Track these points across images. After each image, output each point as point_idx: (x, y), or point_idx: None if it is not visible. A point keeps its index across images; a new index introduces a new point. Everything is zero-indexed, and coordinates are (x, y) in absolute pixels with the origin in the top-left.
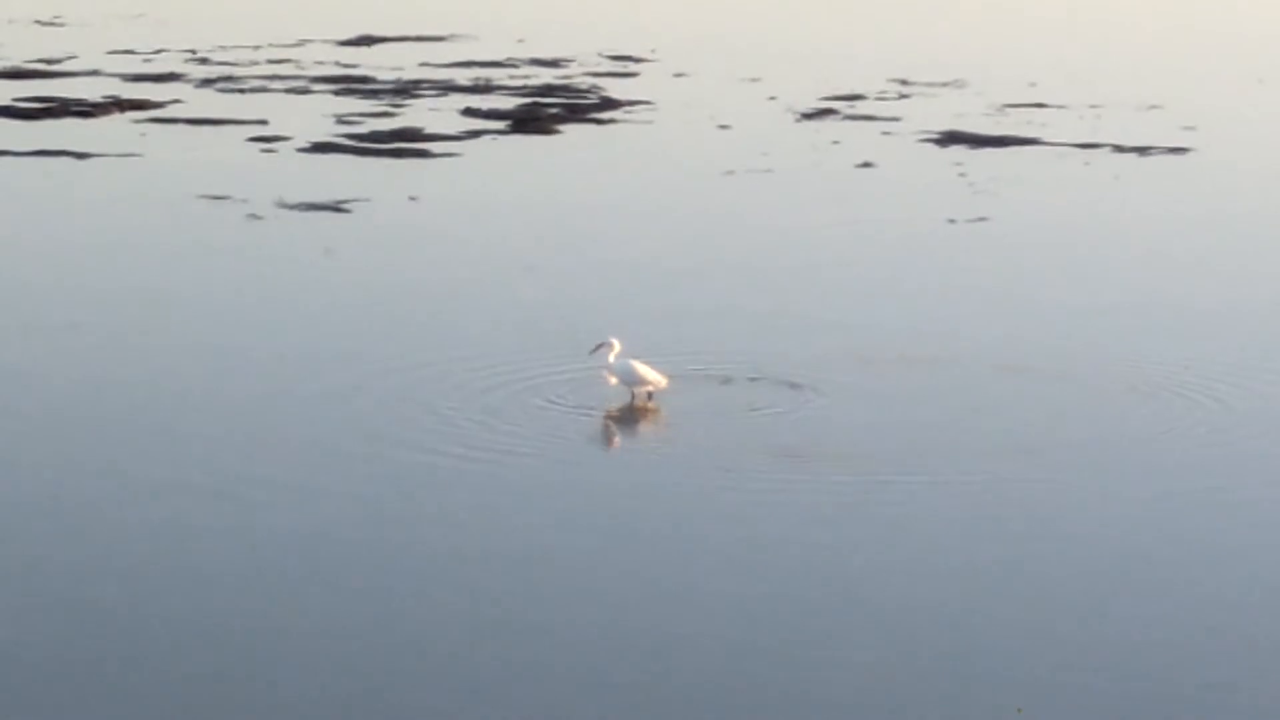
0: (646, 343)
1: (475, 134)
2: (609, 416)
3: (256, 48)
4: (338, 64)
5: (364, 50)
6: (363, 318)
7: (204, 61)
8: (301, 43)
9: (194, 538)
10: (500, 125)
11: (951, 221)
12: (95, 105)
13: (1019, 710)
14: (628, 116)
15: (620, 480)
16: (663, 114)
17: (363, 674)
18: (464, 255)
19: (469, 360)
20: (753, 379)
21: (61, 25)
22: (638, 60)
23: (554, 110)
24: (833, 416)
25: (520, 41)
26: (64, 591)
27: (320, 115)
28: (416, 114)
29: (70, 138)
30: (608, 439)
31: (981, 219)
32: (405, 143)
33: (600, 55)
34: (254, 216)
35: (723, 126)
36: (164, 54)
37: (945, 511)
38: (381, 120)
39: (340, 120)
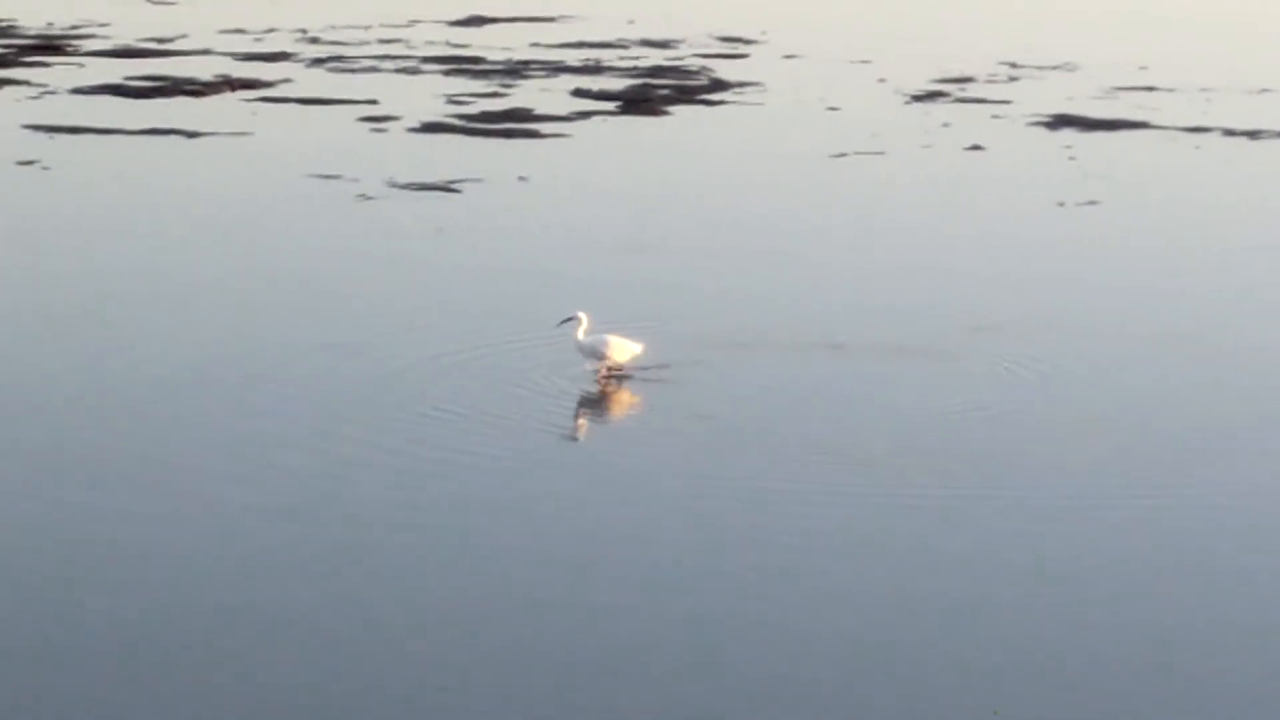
0: (758, 318)
1: (585, 115)
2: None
3: (367, 27)
4: (448, 44)
5: (474, 30)
6: (472, 297)
7: (314, 41)
8: (412, 23)
9: (276, 514)
10: (610, 106)
11: (1061, 204)
12: (206, 84)
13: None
14: (737, 98)
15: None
16: (772, 96)
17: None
18: (573, 235)
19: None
20: (863, 348)
21: (173, 4)
22: (748, 42)
23: (664, 91)
24: (950, 386)
25: (630, 23)
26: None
27: (431, 95)
28: (527, 94)
29: (181, 117)
30: (576, 426)
31: (1091, 202)
32: (515, 123)
33: (710, 37)
34: (364, 196)
35: (832, 108)
36: (274, 33)
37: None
38: (492, 101)
39: (450, 100)
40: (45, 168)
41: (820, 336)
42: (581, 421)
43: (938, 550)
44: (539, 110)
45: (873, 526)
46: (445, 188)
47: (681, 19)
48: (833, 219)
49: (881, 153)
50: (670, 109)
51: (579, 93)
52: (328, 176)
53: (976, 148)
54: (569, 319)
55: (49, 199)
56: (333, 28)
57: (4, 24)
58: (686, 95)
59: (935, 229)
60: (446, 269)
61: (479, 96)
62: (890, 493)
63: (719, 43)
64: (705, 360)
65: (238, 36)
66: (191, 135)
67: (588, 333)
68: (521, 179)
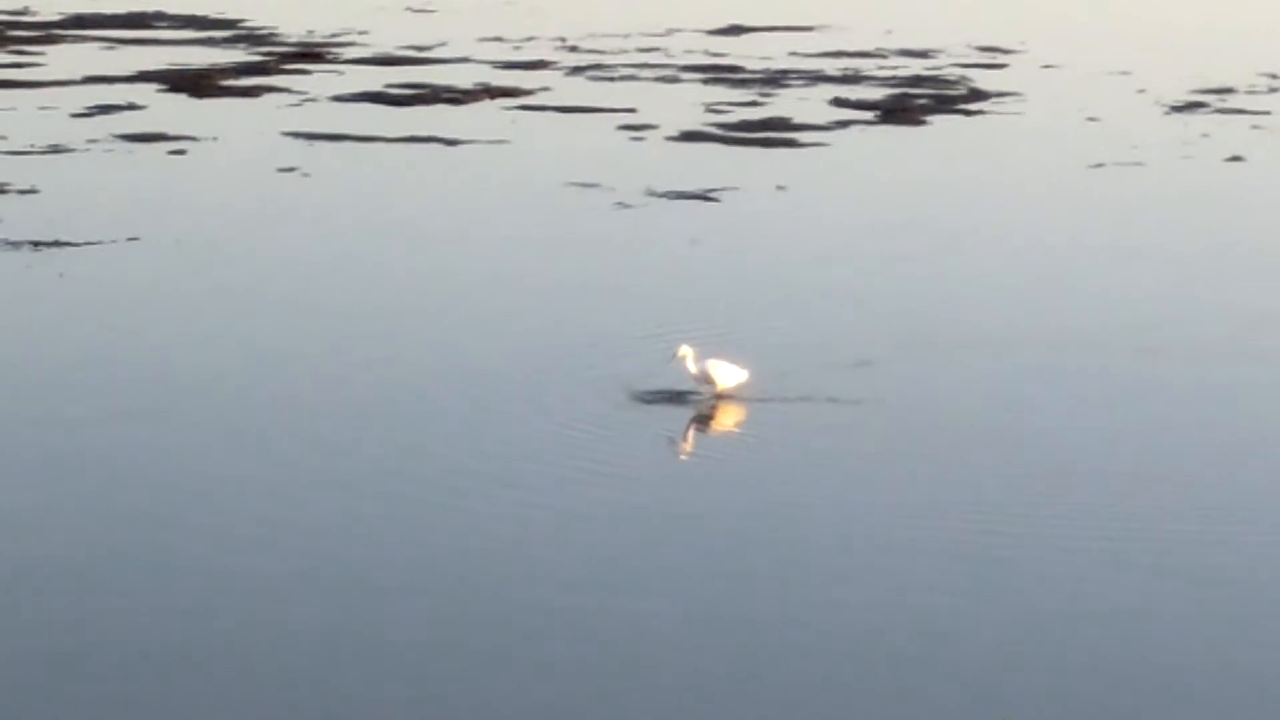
0: (1018, 328)
1: (843, 124)
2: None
3: (626, 36)
4: (707, 53)
5: (733, 39)
6: (726, 307)
7: (573, 49)
8: (670, 32)
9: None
10: (868, 115)
11: None
12: (465, 92)
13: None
14: (996, 108)
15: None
16: (1031, 106)
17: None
18: (831, 246)
19: (828, 351)
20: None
21: (432, 12)
22: (1006, 52)
23: (922, 101)
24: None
25: (889, 32)
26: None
27: (689, 104)
28: (785, 103)
29: (440, 124)
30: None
31: None
32: (773, 132)
33: (969, 46)
34: (623, 204)
35: (1091, 119)
36: (533, 41)
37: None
38: (750, 110)
39: (709, 109)
40: (305, 174)
41: (1077, 339)
42: (689, 435)
43: None
44: (797, 119)
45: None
46: (703, 196)
47: (940, 29)
48: (1092, 228)
49: (1140, 163)
50: (929, 119)
51: (837, 102)
52: (586, 185)
53: (1236, 158)
54: (674, 357)
55: (309, 205)
56: (592, 36)
57: (265, 32)
58: (945, 105)
59: (1196, 238)
60: (702, 277)
61: (737, 105)
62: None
63: (978, 52)
64: (956, 366)
65: (497, 45)
66: (450, 143)
67: (696, 360)
68: (779, 188)
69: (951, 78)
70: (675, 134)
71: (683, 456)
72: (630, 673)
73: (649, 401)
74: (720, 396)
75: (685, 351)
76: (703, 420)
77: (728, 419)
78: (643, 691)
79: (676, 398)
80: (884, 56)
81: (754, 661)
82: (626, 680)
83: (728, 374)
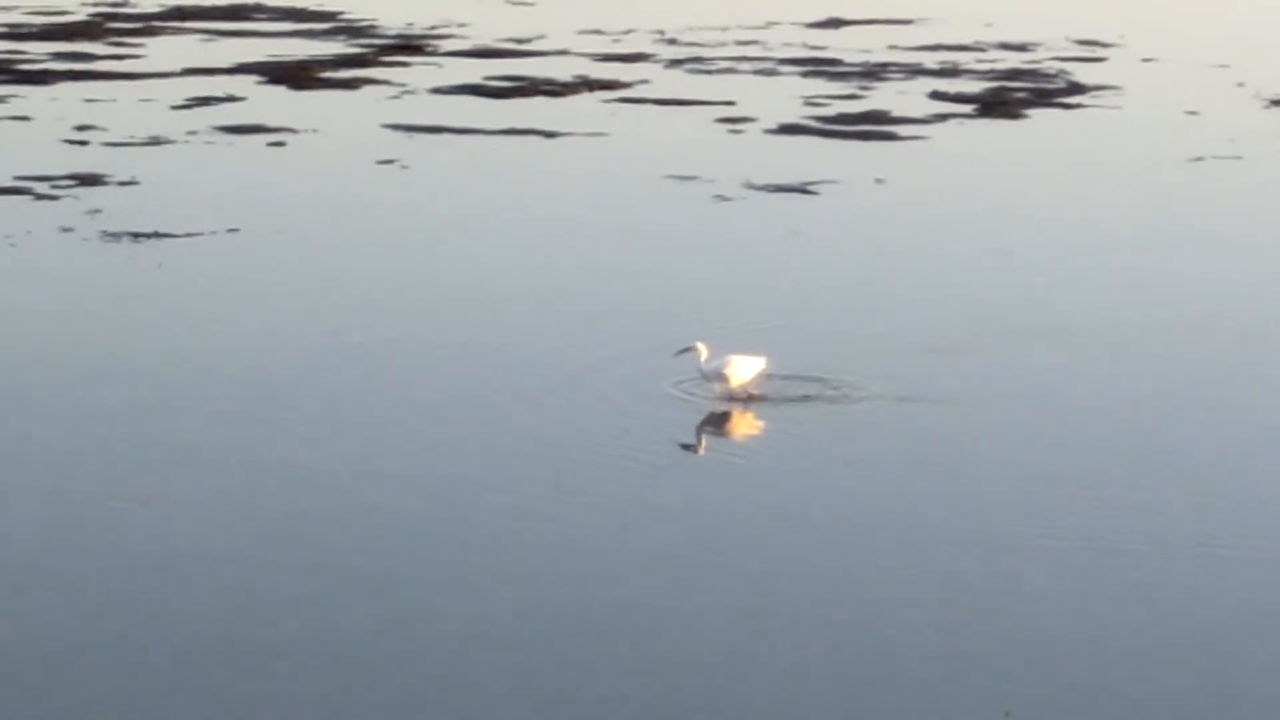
0: (1118, 319)
1: (942, 117)
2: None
3: (724, 29)
4: (805, 46)
5: (832, 32)
6: (827, 301)
7: (672, 42)
8: (769, 24)
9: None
10: (967, 109)
11: None
12: (564, 85)
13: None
14: (1095, 102)
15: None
16: (1130, 99)
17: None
18: (929, 239)
19: (923, 342)
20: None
21: (531, 5)
22: (1105, 45)
23: (1021, 94)
24: None
25: (988, 25)
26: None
27: (787, 97)
28: (883, 97)
29: (539, 117)
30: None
31: None
32: (872, 125)
33: (1068, 40)
34: (721, 197)
35: (1190, 112)
36: (632, 34)
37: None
38: (848, 103)
39: (807, 102)
40: (404, 167)
41: (1178, 328)
42: (704, 438)
43: None
44: (896, 112)
45: None
46: (801, 189)
47: (1039, 22)
48: (1191, 221)
49: (1239, 157)
50: (1027, 112)
51: (936, 95)
52: (684, 177)
53: None
54: (686, 349)
55: (408, 198)
56: (690, 29)
57: (364, 24)
58: (1044, 98)
59: None
60: (801, 270)
61: (836, 98)
62: None
63: (1076, 46)
64: (1057, 355)
65: (596, 37)
66: (549, 135)
67: (709, 359)
68: (878, 181)
69: (1050, 71)
70: (774, 127)
71: (707, 454)
72: (685, 665)
73: (733, 397)
74: (735, 393)
75: (701, 347)
76: (751, 417)
77: (802, 415)
78: (697, 684)
79: (761, 395)
80: (983, 50)
81: (804, 653)
82: (677, 672)
83: (742, 368)
